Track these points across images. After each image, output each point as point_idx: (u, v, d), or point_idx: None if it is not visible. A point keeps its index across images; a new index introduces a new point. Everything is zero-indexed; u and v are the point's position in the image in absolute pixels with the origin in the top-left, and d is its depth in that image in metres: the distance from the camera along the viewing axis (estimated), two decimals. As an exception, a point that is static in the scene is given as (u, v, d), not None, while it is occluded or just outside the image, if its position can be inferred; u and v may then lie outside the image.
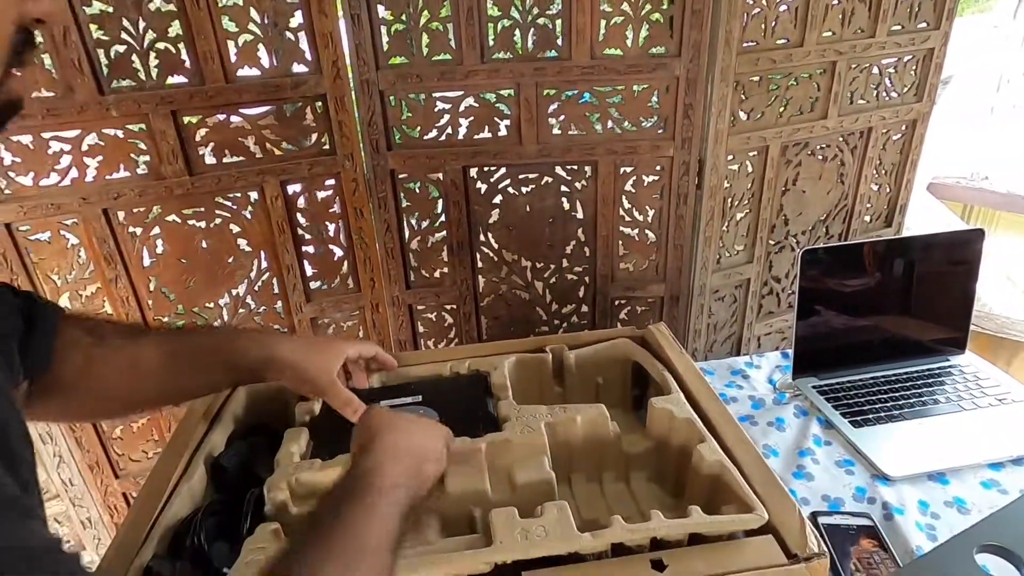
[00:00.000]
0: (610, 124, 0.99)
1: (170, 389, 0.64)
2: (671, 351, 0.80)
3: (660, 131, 0.99)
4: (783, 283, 1.19)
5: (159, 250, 0.93)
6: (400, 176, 1.02)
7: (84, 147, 0.84)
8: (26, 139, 0.81)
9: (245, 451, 0.68)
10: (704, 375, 0.75)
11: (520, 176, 1.02)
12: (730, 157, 1.02)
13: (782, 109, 1.05)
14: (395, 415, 0.58)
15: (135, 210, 0.89)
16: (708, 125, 0.96)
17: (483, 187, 1.03)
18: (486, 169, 1.02)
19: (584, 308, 1.11)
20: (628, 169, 1.01)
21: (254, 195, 0.95)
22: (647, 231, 1.06)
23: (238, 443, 0.69)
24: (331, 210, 1.01)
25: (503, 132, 1.00)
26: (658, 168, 1.01)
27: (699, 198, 1.01)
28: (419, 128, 1.00)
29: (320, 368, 0.64)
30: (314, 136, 0.96)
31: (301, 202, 0.99)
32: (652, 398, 0.71)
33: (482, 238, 1.06)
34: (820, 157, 1.11)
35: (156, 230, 0.92)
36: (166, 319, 0.97)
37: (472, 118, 0.99)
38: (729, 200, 1.05)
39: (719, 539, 0.54)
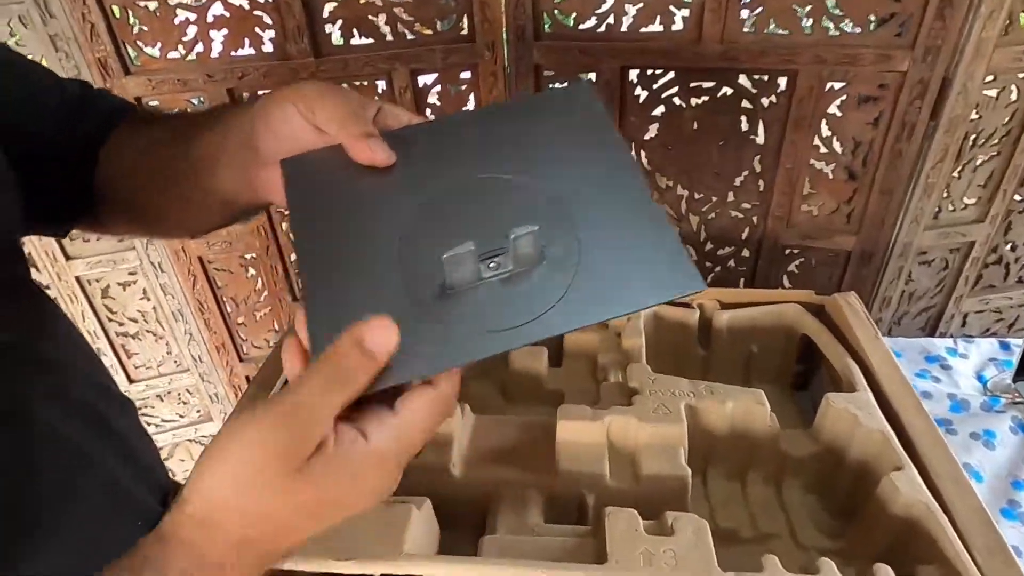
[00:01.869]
0: (825, 22, 0.76)
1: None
2: (862, 333, 0.62)
3: (897, 35, 0.73)
4: (1019, 251, 0.91)
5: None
6: (546, 73, 0.86)
7: (209, 18, 0.77)
8: (152, 4, 0.75)
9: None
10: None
11: (692, 84, 0.82)
12: (990, 78, 0.75)
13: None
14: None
15: (259, 92, 0.82)
16: (970, 30, 0.70)
17: (643, 94, 0.85)
18: (650, 72, 0.83)
19: (745, 252, 0.93)
20: (838, 85, 0.78)
21: (382, 84, 0.85)
22: (848, 168, 0.83)
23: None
24: (464, 108, 0.89)
25: (678, 25, 0.80)
26: (880, 86, 0.77)
27: (931, 131, 0.76)
28: (575, 14, 0.82)
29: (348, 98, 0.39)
30: (453, 18, 0.83)
31: (432, 97, 0.88)
32: (829, 393, 0.55)
33: (632, 156, 0.89)
34: (1121, 85, 0.80)
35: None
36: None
37: (642, 4, 0.80)
38: (972, 138, 0.79)
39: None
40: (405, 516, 0.44)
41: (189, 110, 0.82)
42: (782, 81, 0.79)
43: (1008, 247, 0.91)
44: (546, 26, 0.84)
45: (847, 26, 0.76)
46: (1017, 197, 0.86)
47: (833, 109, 0.80)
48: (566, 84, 0.40)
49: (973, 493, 0.45)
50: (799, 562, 0.42)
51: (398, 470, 0.31)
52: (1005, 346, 0.82)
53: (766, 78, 0.80)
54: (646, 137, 0.88)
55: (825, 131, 0.81)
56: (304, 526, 0.29)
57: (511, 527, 0.48)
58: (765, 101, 0.81)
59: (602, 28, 0.82)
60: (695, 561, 0.41)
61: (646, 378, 0.57)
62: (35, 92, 0.43)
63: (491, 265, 0.33)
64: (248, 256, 0.95)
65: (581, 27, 0.83)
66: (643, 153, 0.89)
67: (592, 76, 0.85)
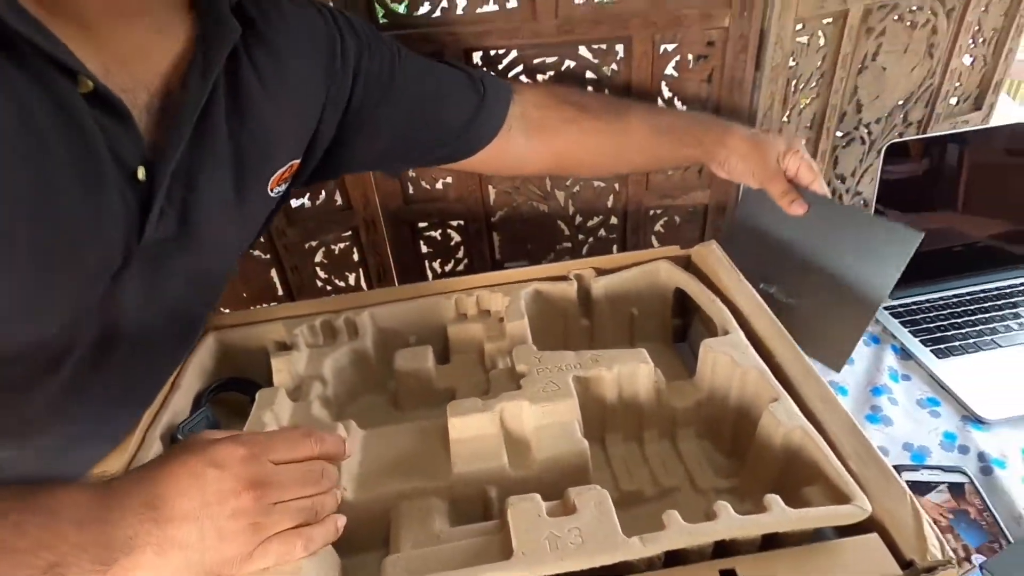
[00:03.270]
0: (648, -13, 0.78)
1: (649, 160, 0.79)
2: (727, 277, 0.65)
3: (713, -8, 0.77)
4: (848, 183, 1.00)
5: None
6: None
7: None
8: None
9: (211, 418, 0.57)
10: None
11: (535, 60, 0.82)
12: (799, 27, 0.81)
13: (867, -40, 0.82)
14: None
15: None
16: (775, -17, 0.75)
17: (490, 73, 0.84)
18: (493, 53, 0.82)
19: (613, 220, 0.95)
20: (670, 47, 0.81)
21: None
22: (691, 125, 0.87)
23: (204, 409, 0.57)
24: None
25: (512, 3, 0.79)
26: (708, 44, 0.80)
27: (758, 82, 0.82)
28: (406, 1, 0.79)
29: (769, 153, 0.68)
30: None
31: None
32: (705, 339, 0.57)
33: (491, 140, 0.88)
34: (908, 23, 0.89)
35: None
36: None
37: (472, -15, 0.78)
38: (793, 83, 0.85)
39: (803, 537, 0.42)
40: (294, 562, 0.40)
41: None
42: (619, 48, 0.81)
43: (839, 180, 1.00)
44: (380, 16, 0.80)
45: (670, -11, 0.79)
46: (839, 134, 0.94)
47: (670, 70, 0.83)
48: (906, 225, 0.62)
49: (840, 407, 0.49)
50: (701, 507, 0.43)
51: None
52: (850, 269, 0.90)
53: (604, 47, 0.81)
54: (500, 119, 0.87)
55: (667, 93, 0.84)
56: None
57: (416, 539, 0.45)
58: (607, 70, 0.83)
59: (437, 13, 0.80)
60: (600, 534, 0.40)
61: (532, 358, 0.56)
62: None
63: None
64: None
65: (417, 13, 0.80)
66: (500, 135, 0.88)
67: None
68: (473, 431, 0.50)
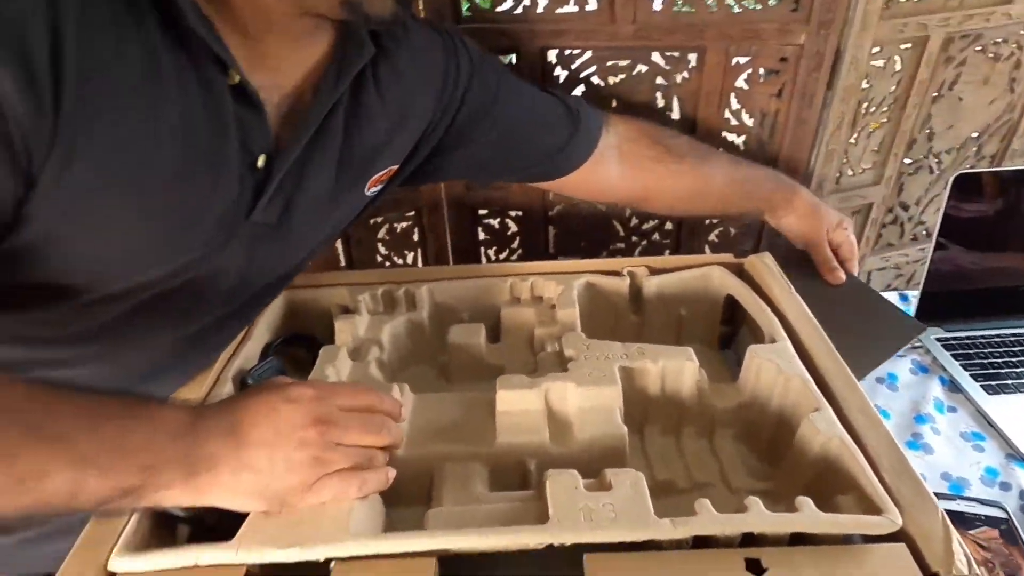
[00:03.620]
0: (728, 0, 0.80)
1: (719, 208, 0.85)
2: (778, 289, 0.66)
3: (793, 10, 0.78)
4: (911, 211, 0.99)
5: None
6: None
7: None
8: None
9: (278, 366, 0.61)
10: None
11: (608, 63, 0.85)
12: (876, 49, 0.81)
13: (955, -12, 0.81)
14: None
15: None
16: (856, 4, 0.75)
17: (563, 74, 0.86)
18: (568, 52, 0.85)
19: (668, 226, 0.96)
20: (743, 60, 0.82)
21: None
22: (757, 138, 0.88)
23: (272, 359, 0.61)
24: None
25: (592, 6, 0.82)
26: (782, 60, 0.81)
27: (828, 100, 0.82)
28: (491, -4, 0.83)
29: (823, 222, 0.75)
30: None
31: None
32: (752, 345, 0.58)
33: (557, 136, 0.91)
34: (991, 55, 0.88)
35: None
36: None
37: (555, -14, 0.81)
38: (864, 106, 0.85)
39: (830, 539, 0.43)
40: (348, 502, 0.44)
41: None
42: (692, 57, 0.83)
43: (902, 208, 0.99)
44: (465, 9, 0.84)
45: (748, 3, 0.80)
46: (907, 160, 0.94)
47: (740, 83, 0.84)
48: (912, 318, 0.68)
49: (881, 423, 0.50)
50: (733, 505, 0.45)
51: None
52: (904, 298, 0.90)
53: (677, 55, 0.83)
54: (568, 117, 0.90)
55: (735, 104, 0.86)
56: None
57: (456, 499, 0.48)
58: (678, 77, 0.85)
59: (519, 10, 0.83)
60: (633, 512, 0.42)
61: (581, 345, 0.59)
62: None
63: None
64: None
65: (499, 9, 0.84)
66: (566, 133, 0.91)
67: (513, 58, 0.86)
68: (519, 405, 0.53)
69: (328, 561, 0.41)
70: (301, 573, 0.43)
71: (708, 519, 0.42)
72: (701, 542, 0.43)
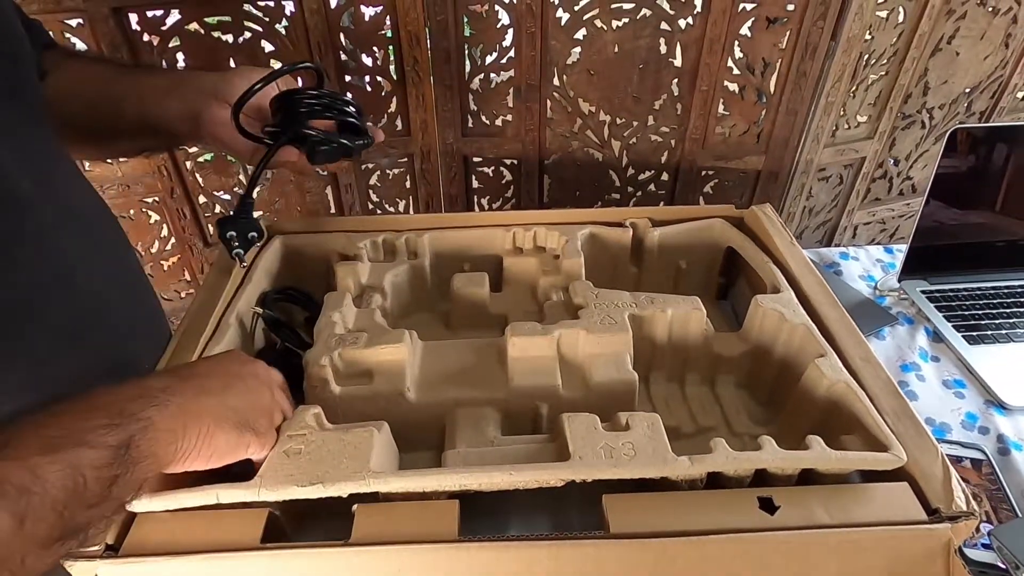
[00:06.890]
0: (736, -59, 0.77)
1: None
2: (779, 240, 0.66)
3: (802, -45, 0.77)
4: (901, 166, 1.01)
5: (179, 66, 0.80)
6: (464, -5, 0.83)
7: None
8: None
9: (283, 309, 0.60)
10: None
11: (613, 5, 0.82)
12: (881, 0, 0.80)
13: (962, -63, 0.80)
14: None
15: (149, 14, 0.74)
16: (866, -50, 0.74)
17: (565, 16, 0.84)
18: (571, -7, 0.82)
19: (664, 176, 0.96)
20: (749, 6, 0.81)
21: (289, 6, 0.79)
22: (758, 88, 0.87)
23: (275, 302, 0.60)
24: (380, 32, 0.84)
25: (596, -56, 0.79)
26: (789, 8, 0.80)
27: (831, 51, 0.81)
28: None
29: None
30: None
31: (345, 19, 0.83)
32: (757, 295, 0.59)
33: (556, 82, 0.89)
34: (990, 8, 0.88)
35: (175, 41, 0.77)
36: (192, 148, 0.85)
37: (560, -79, 0.78)
38: (866, 57, 0.85)
39: (836, 479, 0.45)
40: (367, 439, 0.44)
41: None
42: (698, 2, 0.81)
43: (892, 162, 1.00)
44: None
45: (756, -53, 0.78)
46: (902, 114, 0.94)
47: (745, 30, 0.82)
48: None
49: (882, 368, 0.51)
50: (736, 447, 0.46)
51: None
52: (889, 250, 0.92)
53: (683, 0, 0.81)
54: (568, 61, 0.88)
55: (738, 53, 0.84)
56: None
57: (470, 442, 0.49)
58: (682, 23, 0.83)
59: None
60: (651, 450, 0.43)
61: (590, 293, 0.59)
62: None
63: None
64: (150, 200, 0.87)
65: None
66: (566, 78, 0.89)
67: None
68: (532, 351, 0.53)
69: (350, 503, 0.42)
70: (322, 515, 0.43)
71: (724, 457, 0.43)
72: (714, 483, 0.44)
